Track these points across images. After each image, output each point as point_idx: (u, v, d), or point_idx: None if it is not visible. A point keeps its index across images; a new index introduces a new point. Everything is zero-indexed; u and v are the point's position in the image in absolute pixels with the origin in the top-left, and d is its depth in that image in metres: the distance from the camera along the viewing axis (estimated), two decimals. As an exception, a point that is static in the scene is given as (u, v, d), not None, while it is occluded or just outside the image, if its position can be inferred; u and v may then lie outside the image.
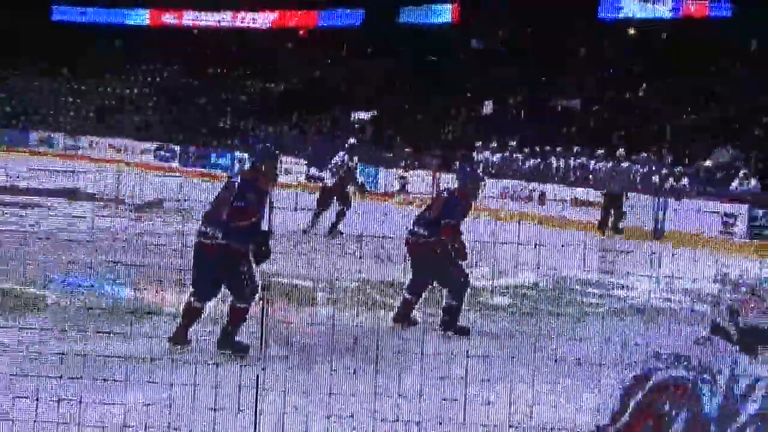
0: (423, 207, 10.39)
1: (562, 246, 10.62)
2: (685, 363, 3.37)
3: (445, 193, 10.13)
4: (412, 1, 38.35)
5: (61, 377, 6.14)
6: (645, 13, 33.28)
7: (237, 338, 8.10)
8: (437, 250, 9.54)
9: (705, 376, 3.34)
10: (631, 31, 34.25)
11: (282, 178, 11.53)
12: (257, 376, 5.88)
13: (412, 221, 9.89)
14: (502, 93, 33.04)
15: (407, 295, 9.70)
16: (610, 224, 20.67)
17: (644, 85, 30.66)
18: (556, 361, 6.56)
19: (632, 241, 18.31)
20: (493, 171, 26.16)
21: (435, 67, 34.78)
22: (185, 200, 14.88)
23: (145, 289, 9.95)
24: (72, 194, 18.14)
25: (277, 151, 9.20)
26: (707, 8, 31.84)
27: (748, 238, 19.95)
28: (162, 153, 34.81)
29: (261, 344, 6.60)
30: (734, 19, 30.64)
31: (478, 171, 11.60)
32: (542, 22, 32.86)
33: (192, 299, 8.20)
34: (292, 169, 27.07)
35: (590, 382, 6.04)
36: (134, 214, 16.40)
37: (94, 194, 17.94)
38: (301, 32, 42.49)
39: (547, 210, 23.07)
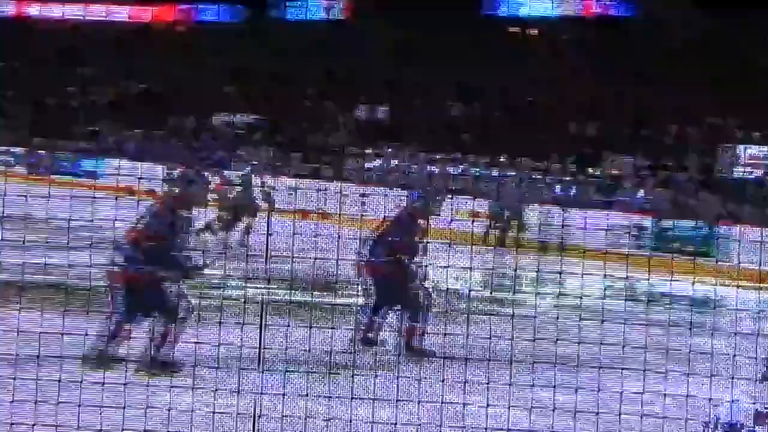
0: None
1: (452, 260, 10.29)
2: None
3: (400, 213, 10.49)
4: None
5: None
6: (538, 11, 33.43)
7: (166, 355, 8.71)
8: (392, 272, 10.05)
9: None
10: (534, 32, 34.17)
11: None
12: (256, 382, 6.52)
13: (368, 243, 10.16)
14: (385, 96, 32.86)
15: (370, 317, 10.21)
16: (504, 237, 20.49)
17: (543, 88, 30.37)
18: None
19: (529, 254, 17.95)
20: (375, 179, 25.89)
21: (317, 67, 34.32)
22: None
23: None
24: None
25: (199, 177, 9.70)
26: (609, 6, 31.94)
27: (653, 251, 19.81)
28: (5, 158, 33.42)
29: (260, 350, 7.19)
30: (639, 18, 30.74)
31: (438, 189, 11.91)
32: (429, 20, 32.63)
33: (119, 320, 8.75)
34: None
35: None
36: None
37: None
38: (178, 28, 42.00)
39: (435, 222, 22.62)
